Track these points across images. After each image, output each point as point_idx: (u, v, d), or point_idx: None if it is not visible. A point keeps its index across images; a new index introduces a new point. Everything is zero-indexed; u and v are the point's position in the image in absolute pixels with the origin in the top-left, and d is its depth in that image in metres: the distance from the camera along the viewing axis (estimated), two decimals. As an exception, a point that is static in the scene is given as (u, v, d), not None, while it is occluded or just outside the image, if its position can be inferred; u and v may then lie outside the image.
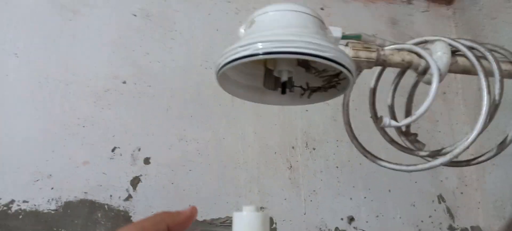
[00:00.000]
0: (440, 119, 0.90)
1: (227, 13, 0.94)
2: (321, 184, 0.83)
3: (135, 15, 0.91)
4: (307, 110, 0.88)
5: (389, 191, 0.83)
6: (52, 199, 0.76)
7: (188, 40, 0.90)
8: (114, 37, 0.89)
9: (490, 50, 0.45)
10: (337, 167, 0.84)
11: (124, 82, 0.86)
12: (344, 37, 0.47)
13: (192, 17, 0.92)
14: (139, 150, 0.81)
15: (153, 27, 0.90)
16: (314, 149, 0.86)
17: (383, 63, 0.46)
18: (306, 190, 0.82)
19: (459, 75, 0.94)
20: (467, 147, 0.41)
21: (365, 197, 0.83)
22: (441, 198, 0.83)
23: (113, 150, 0.80)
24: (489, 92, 0.41)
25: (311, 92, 0.49)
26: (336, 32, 0.46)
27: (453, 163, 0.47)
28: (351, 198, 0.82)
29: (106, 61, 0.87)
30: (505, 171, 0.77)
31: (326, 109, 0.88)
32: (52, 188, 0.77)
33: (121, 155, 0.80)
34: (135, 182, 0.79)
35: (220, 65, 0.42)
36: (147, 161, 0.80)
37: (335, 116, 0.88)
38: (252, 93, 0.50)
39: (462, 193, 0.84)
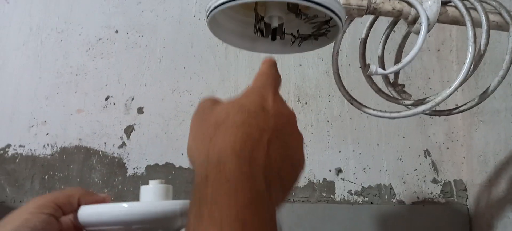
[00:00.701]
0: (433, 76, 0.90)
1: (222, -38, 0.92)
2: (311, 137, 0.85)
3: (127, -37, 0.88)
4: (300, 65, 0.89)
5: (377, 145, 0.86)
6: (48, 145, 0.78)
7: (181, -10, 0.89)
8: (106, -15, 0.87)
9: (480, 1, 0.45)
10: (328, 121, 0.86)
11: (117, 32, 0.85)
12: (336, -16, 0.47)
13: (186, -34, 0.90)
14: (132, 99, 0.81)
15: (145, -24, 0.88)
16: (306, 103, 0.87)
17: (374, 12, 0.46)
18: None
19: (454, 32, 0.94)
20: (449, 95, 0.42)
21: (353, 150, 0.85)
22: (427, 153, 0.86)
23: (106, 99, 0.81)
24: (475, 42, 0.42)
25: (301, 40, 0.49)
26: (328, -22, 0.46)
27: (435, 112, 0.48)
28: (340, 151, 0.85)
29: (98, 9, 0.86)
30: (491, 127, 0.79)
31: (319, 64, 0.89)
32: (47, 134, 0.78)
33: (114, 104, 0.81)
34: (128, 130, 0.80)
35: (210, 9, 0.42)
36: (140, 110, 0.81)
37: (328, 71, 0.88)
38: (243, 40, 0.50)
39: (448, 148, 0.86)
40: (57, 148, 0.78)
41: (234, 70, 0.87)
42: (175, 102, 0.83)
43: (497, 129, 0.77)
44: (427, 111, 0.44)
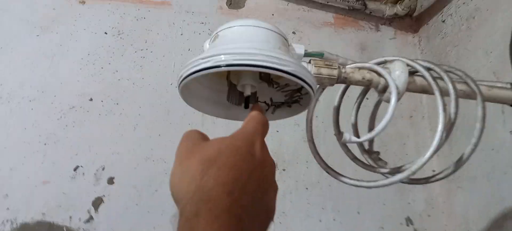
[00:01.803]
0: (407, 141, 0.91)
1: (200, 33, 0.95)
2: (290, 205, 0.82)
3: (106, 33, 0.90)
4: (277, 131, 0.89)
5: (358, 213, 0.83)
6: (7, 221, 0.72)
7: (159, 59, 0.90)
8: (83, 54, 0.87)
9: (446, 71, 0.46)
10: (306, 188, 0.84)
11: (91, 100, 0.84)
12: (306, 54, 0.48)
13: (165, 36, 0.92)
14: (103, 169, 0.78)
15: (124, 45, 0.89)
16: (284, 169, 0.85)
17: (344, 81, 0.47)
18: (276, 212, 0.80)
19: (425, 99, 0.97)
20: (424, 164, 0.42)
21: (334, 219, 0.82)
22: (409, 221, 0.84)
23: (75, 169, 0.77)
24: (444, 110, 0.42)
25: (275, 108, 0.49)
26: (299, 49, 0.47)
27: (412, 180, 0.47)
28: (320, 220, 0.82)
29: (73, 78, 0.85)
30: (470, 194, 0.78)
31: (296, 130, 0.89)
32: (8, 209, 0.73)
33: (83, 174, 0.77)
34: (97, 202, 0.76)
35: (182, 77, 0.42)
36: (111, 180, 0.78)
37: (305, 137, 0.88)
38: (216, 108, 0.50)
39: (429, 215, 0.85)
40: (17, 224, 0.72)
41: (211, 138, 0.85)
42: (148, 171, 0.80)
43: (476, 195, 0.76)
44: (405, 180, 0.43)
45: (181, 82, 0.42)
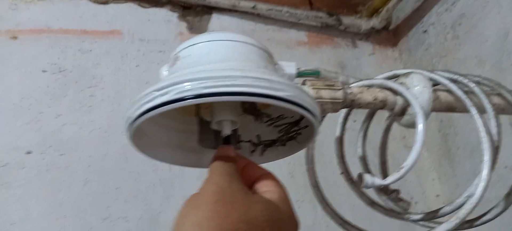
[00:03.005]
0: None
1: (159, 63, 0.82)
2: (281, 257, 0.69)
3: (45, 71, 0.75)
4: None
5: (360, 256, 0.71)
6: None
7: (111, 97, 0.75)
8: (17, 99, 0.72)
9: (477, 82, 0.37)
10: (298, 233, 0.71)
11: (29, 153, 0.68)
12: (299, 74, 0.37)
13: (116, 70, 0.78)
14: (43, 241, 0.62)
15: (67, 84, 0.75)
16: (269, 214, 0.72)
17: (351, 104, 0.36)
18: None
19: (415, 118, 0.89)
20: (476, 205, 0.31)
21: (334, 268, 0.69)
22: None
23: (5, 246, 0.60)
24: (488, 131, 0.32)
25: (264, 148, 0.37)
26: (290, 67, 0.35)
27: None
28: (318, 271, 0.69)
29: (4, 128, 0.69)
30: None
31: (282, 165, 0.76)
32: None
33: (17, 251, 0.60)
34: None
35: (131, 119, 0.29)
36: (54, 255, 0.61)
37: (292, 172, 0.76)
38: (184, 155, 0.37)
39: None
40: None
41: (179, 185, 0.72)
42: (105, 236, 0.64)
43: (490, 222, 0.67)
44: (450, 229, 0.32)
45: (129, 127, 0.29)
